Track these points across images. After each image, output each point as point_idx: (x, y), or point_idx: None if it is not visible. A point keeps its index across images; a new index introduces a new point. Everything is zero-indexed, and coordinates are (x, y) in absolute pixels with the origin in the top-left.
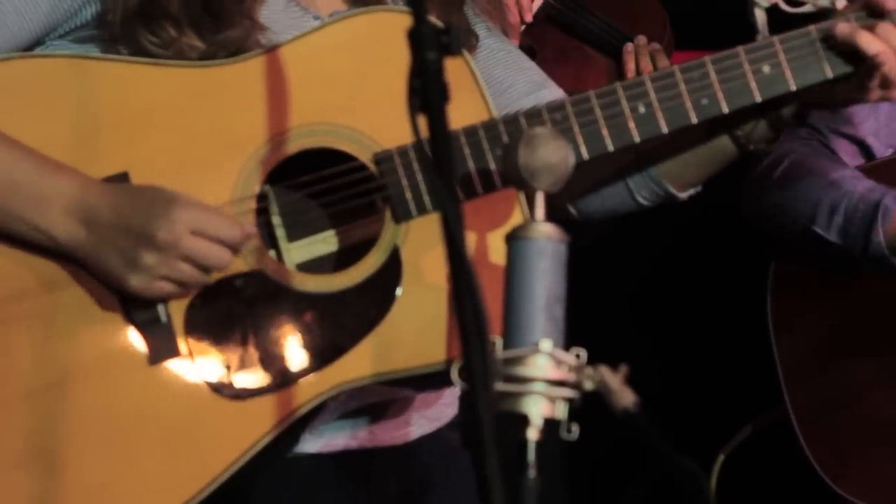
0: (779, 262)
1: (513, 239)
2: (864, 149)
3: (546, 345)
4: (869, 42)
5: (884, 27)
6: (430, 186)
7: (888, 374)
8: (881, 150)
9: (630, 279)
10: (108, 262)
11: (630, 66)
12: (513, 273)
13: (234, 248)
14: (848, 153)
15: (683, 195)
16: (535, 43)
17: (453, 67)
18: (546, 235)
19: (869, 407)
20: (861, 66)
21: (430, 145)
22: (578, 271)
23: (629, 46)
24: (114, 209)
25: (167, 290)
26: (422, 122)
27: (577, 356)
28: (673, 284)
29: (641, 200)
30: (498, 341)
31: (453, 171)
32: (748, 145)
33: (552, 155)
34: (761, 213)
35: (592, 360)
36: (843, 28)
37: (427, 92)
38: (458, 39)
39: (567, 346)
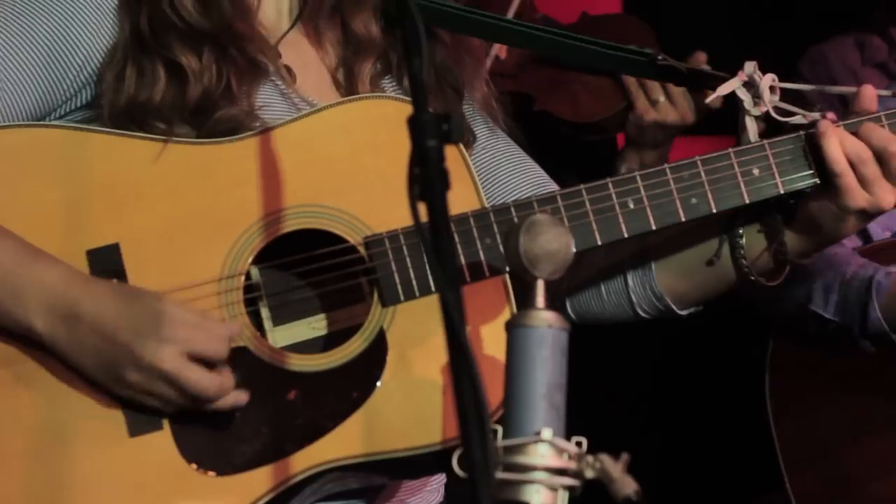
0: (777, 341)
1: (514, 327)
2: (862, 232)
3: (547, 433)
4: (830, 145)
5: (866, 127)
6: (430, 273)
7: (891, 459)
8: (879, 234)
9: (628, 366)
10: (90, 368)
11: (630, 79)
12: (513, 361)
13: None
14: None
15: (684, 313)
16: (529, 87)
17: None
18: (547, 323)
19: (871, 493)
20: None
21: (429, 233)
22: (577, 358)
23: None
24: (97, 315)
25: (151, 405)
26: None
27: (578, 444)
28: (671, 370)
29: (641, 312)
30: (498, 429)
31: (454, 260)
32: (750, 275)
33: (553, 242)
34: (760, 297)
35: (593, 448)
36: (819, 127)
37: (427, 180)
38: (458, 127)
39: (568, 434)
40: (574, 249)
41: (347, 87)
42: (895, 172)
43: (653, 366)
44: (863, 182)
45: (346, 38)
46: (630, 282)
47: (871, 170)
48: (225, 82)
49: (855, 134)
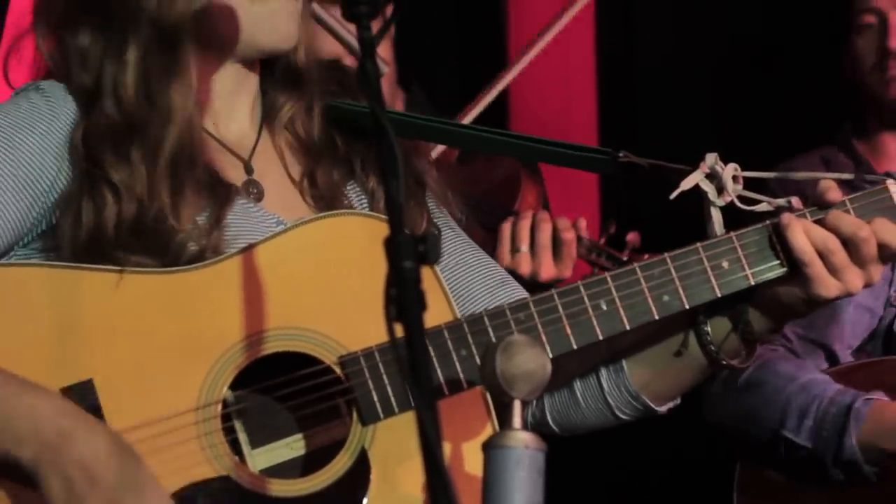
0: (743, 465)
1: (490, 448)
2: (828, 351)
3: None
4: (795, 236)
5: (833, 216)
6: (410, 394)
7: None
8: (843, 352)
9: (602, 485)
10: (56, 496)
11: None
12: (491, 482)
13: None
14: (813, 357)
15: (662, 409)
16: None
17: None
18: (524, 444)
19: None
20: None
21: (406, 354)
22: (553, 476)
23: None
24: (89, 454)
25: None
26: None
27: None
28: (641, 492)
29: (622, 416)
30: None
31: (431, 380)
32: (721, 360)
33: (529, 362)
34: (727, 419)
35: None
36: (783, 219)
37: (404, 302)
38: (435, 248)
39: None
40: (550, 368)
41: (313, 194)
42: (865, 258)
43: (622, 489)
44: (832, 270)
45: (305, 147)
46: (605, 385)
47: (840, 257)
48: (161, 200)
49: (821, 222)
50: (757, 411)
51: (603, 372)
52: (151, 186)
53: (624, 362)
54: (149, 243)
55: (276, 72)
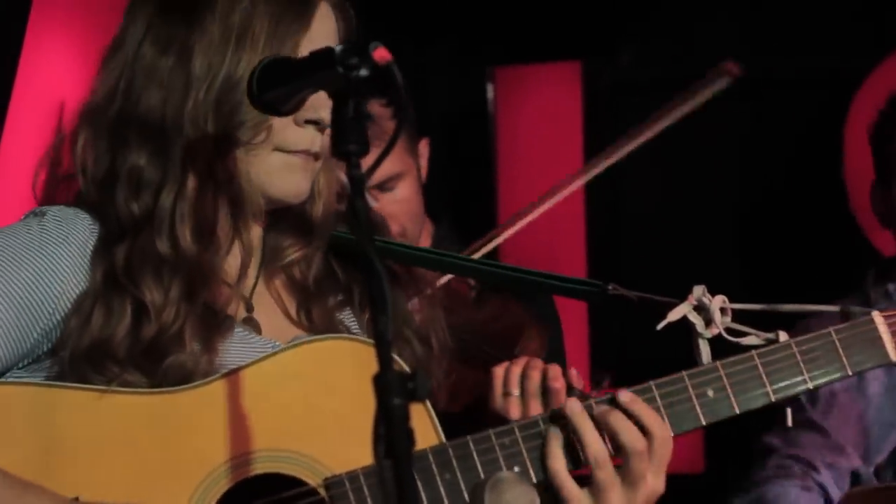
0: None
1: None
2: (853, 473)
3: None
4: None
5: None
6: None
7: None
8: (867, 472)
9: None
10: None
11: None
12: None
13: None
14: (836, 483)
15: None
16: None
17: None
18: None
19: None
20: None
21: (395, 491)
22: None
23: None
24: None
25: None
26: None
27: None
28: None
29: None
30: None
31: None
32: None
33: (518, 499)
34: None
35: None
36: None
37: (393, 439)
38: (424, 386)
39: None
40: None
41: (309, 327)
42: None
43: None
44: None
45: (301, 288)
46: None
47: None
48: (179, 325)
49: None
50: None
51: None
52: (178, 316)
53: None
54: (151, 367)
55: (287, 215)
